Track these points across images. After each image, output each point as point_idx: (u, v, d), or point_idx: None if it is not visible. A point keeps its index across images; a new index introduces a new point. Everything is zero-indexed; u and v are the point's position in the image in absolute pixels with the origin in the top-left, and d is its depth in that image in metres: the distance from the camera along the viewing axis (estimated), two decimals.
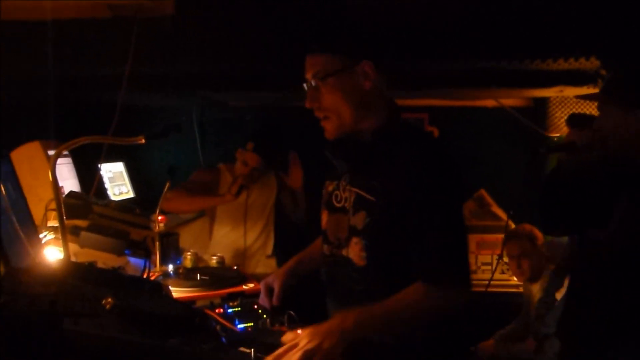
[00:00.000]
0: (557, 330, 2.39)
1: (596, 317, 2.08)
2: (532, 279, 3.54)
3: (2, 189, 1.46)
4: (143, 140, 2.19)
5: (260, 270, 3.61)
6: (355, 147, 1.87)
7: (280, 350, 1.54)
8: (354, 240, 1.83)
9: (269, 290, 2.13)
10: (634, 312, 1.98)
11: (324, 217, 2.01)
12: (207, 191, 3.62)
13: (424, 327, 1.77)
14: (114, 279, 1.53)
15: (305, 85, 1.86)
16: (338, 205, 1.92)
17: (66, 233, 1.96)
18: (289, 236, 3.73)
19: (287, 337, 1.62)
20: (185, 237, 3.60)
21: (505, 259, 3.81)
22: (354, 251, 1.84)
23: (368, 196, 1.80)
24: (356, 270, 1.84)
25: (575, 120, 2.71)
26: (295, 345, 1.55)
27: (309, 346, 1.53)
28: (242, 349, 1.61)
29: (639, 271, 1.96)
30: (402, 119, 1.92)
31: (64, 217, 1.98)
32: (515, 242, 3.58)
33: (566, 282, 3.03)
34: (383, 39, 1.97)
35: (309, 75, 1.83)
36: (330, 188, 1.99)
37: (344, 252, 1.89)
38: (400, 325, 1.73)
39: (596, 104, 2.24)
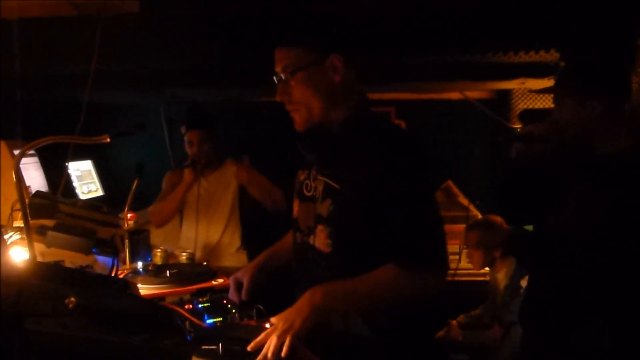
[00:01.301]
0: (518, 316, 2.44)
1: (554, 302, 2.14)
2: (485, 267, 3.63)
3: None
4: (108, 140, 2.19)
5: (230, 264, 3.62)
6: (324, 138, 1.89)
7: (260, 337, 1.60)
8: (320, 227, 1.86)
9: (238, 285, 2.15)
10: (590, 296, 2.04)
11: (295, 206, 2.03)
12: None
13: (393, 307, 1.78)
14: (79, 278, 1.54)
15: (275, 78, 1.87)
16: (308, 194, 1.95)
17: (31, 233, 1.94)
18: (259, 229, 3.75)
19: (273, 319, 1.67)
20: (157, 234, 3.61)
21: (464, 247, 3.88)
22: (320, 239, 1.86)
23: (334, 184, 1.82)
24: (322, 257, 1.86)
25: (526, 115, 2.77)
26: (273, 329, 1.61)
27: (283, 327, 1.60)
28: (205, 346, 1.65)
29: (594, 255, 2.02)
30: (370, 111, 1.93)
31: (29, 217, 1.97)
32: (470, 232, 3.66)
33: None
34: (352, 33, 1.97)
35: (278, 69, 1.84)
36: (301, 177, 2.02)
37: (310, 240, 1.91)
38: (368, 301, 1.75)
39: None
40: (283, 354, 1.55)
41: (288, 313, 1.66)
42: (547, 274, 2.21)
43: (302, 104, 1.84)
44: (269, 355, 1.54)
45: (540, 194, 2.24)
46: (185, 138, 3.64)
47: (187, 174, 3.54)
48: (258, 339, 1.60)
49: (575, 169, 2.18)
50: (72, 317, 1.13)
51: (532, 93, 3.35)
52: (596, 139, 2.12)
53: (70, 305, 1.13)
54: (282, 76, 1.83)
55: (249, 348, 1.59)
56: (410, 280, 1.71)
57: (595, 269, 2.02)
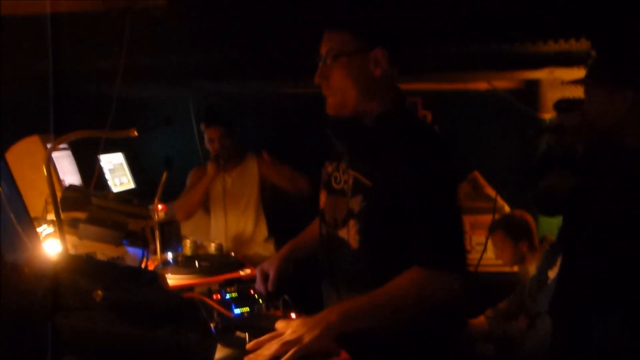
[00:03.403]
0: (549, 308, 2.43)
1: (584, 295, 2.11)
2: (516, 264, 3.63)
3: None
4: (135, 134, 2.24)
5: (259, 252, 3.69)
6: (357, 131, 1.88)
7: (263, 338, 1.57)
8: (351, 222, 1.85)
9: (264, 276, 2.16)
10: (621, 290, 2.01)
11: (323, 197, 2.03)
12: None
13: (417, 313, 1.74)
14: (109, 270, 1.56)
15: (317, 59, 1.86)
16: (337, 187, 1.94)
17: (63, 226, 2.00)
18: (285, 218, 3.79)
19: (280, 324, 1.64)
20: (186, 225, 3.68)
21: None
22: (350, 233, 1.85)
23: (365, 180, 1.82)
24: (350, 251, 1.86)
25: (562, 105, 2.74)
26: (278, 335, 1.57)
27: (290, 337, 1.54)
28: (237, 334, 1.67)
29: (626, 249, 1.99)
30: (405, 109, 1.92)
31: (61, 211, 2.03)
32: (495, 233, 3.65)
33: (559, 261, 3.09)
34: (402, 29, 1.96)
35: (323, 51, 1.83)
36: (329, 169, 2.01)
37: (340, 234, 1.90)
38: (390, 314, 1.70)
39: None
40: None
41: (298, 324, 1.59)
42: (578, 266, 2.18)
43: (339, 90, 1.83)
44: (261, 358, 1.49)
45: (571, 185, 2.20)
46: (205, 135, 3.72)
47: (210, 168, 3.61)
48: (261, 339, 1.57)
49: (608, 162, 2.11)
50: (98, 310, 1.16)
51: (564, 84, 3.30)
52: (628, 132, 2.06)
53: (98, 299, 1.16)
54: (326, 59, 1.82)
55: (247, 347, 1.55)
56: (433, 283, 1.70)
57: (627, 263, 1.99)
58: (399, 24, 1.89)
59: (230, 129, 3.70)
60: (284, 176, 3.69)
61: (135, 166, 4.50)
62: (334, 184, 1.97)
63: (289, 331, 1.57)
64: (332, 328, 1.58)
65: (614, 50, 2.20)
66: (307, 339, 1.54)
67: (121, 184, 4.19)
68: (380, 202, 1.79)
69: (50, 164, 2.04)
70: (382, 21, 1.87)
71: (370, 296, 1.69)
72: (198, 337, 1.17)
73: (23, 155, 3.03)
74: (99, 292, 1.15)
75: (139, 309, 1.18)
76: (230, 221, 3.73)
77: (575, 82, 2.45)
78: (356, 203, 1.84)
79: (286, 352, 1.51)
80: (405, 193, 1.73)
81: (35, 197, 2.67)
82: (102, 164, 3.92)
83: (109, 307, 1.14)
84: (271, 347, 1.52)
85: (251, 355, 1.51)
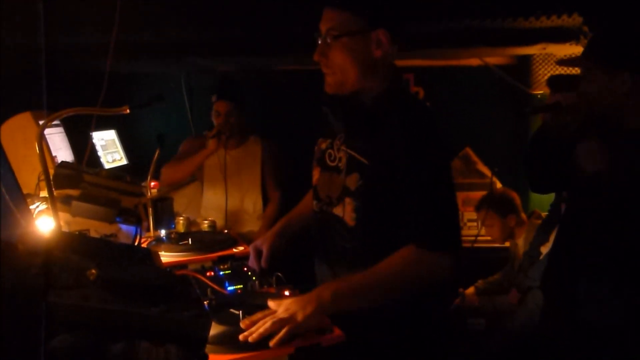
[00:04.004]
0: (541, 283, 2.45)
1: (577, 270, 2.13)
2: (506, 239, 3.68)
3: None
4: (127, 111, 2.23)
5: (252, 231, 3.70)
6: (354, 109, 1.89)
7: (255, 316, 1.60)
8: (347, 200, 1.87)
9: (258, 253, 2.18)
10: (618, 267, 2.03)
11: (316, 173, 2.05)
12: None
13: (408, 292, 1.77)
14: (103, 248, 1.57)
15: (316, 36, 1.85)
16: (332, 164, 1.95)
17: (56, 203, 2.01)
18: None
19: (272, 302, 1.66)
20: (179, 202, 3.68)
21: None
22: (346, 211, 1.87)
23: (362, 159, 1.84)
24: (346, 229, 1.88)
25: (555, 82, 2.72)
26: (271, 313, 1.60)
27: (283, 315, 1.57)
28: (231, 311, 1.69)
29: (624, 229, 2.00)
30: (403, 89, 1.94)
31: (54, 187, 2.03)
32: (482, 211, 3.70)
33: (551, 237, 3.12)
34: (405, 11, 1.95)
35: (323, 28, 1.82)
36: (323, 146, 2.02)
37: (335, 211, 1.92)
38: (382, 293, 1.74)
39: None
40: (272, 343, 1.51)
41: (290, 303, 1.63)
42: (575, 239, 2.20)
43: (339, 69, 1.83)
44: (255, 335, 1.52)
45: (567, 164, 2.19)
46: (213, 107, 3.72)
47: (211, 143, 3.60)
48: (254, 317, 1.59)
49: (605, 136, 2.10)
50: (92, 289, 1.16)
51: (558, 65, 3.28)
52: (627, 114, 2.06)
53: (91, 277, 1.17)
54: (326, 38, 1.81)
55: (242, 325, 1.57)
56: (427, 260, 1.72)
57: (626, 241, 2.01)
58: (400, 4, 1.89)
59: (239, 106, 3.70)
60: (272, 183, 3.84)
61: (127, 142, 4.49)
62: (328, 161, 1.98)
63: (281, 309, 1.60)
64: (325, 306, 1.62)
65: (610, 32, 2.18)
66: (300, 317, 1.57)
67: (114, 160, 4.19)
68: (377, 180, 1.81)
69: (42, 141, 2.03)
70: (384, 2, 1.86)
71: (363, 275, 1.72)
72: (192, 315, 1.18)
73: (15, 132, 3.03)
74: (93, 271, 1.16)
75: (132, 287, 1.19)
76: (230, 198, 3.73)
77: (571, 63, 2.43)
78: (352, 181, 1.85)
79: (280, 329, 1.53)
80: (401, 171, 1.75)
81: (28, 173, 2.67)
82: (95, 140, 3.91)
83: (103, 285, 1.15)
84: (265, 325, 1.54)
85: (245, 333, 1.54)
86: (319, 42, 1.84)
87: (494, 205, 3.63)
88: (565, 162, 2.19)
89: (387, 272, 1.72)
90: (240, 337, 1.53)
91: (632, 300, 1.99)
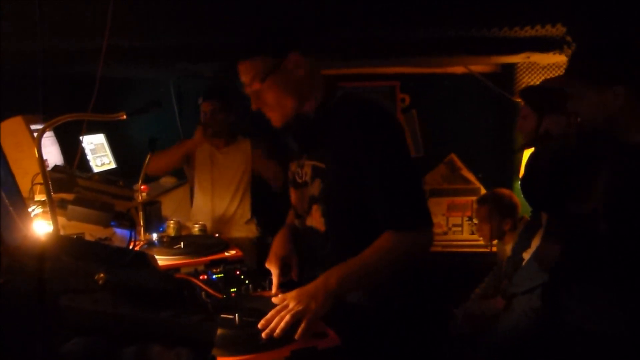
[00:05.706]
0: (542, 301, 2.42)
1: (577, 287, 2.10)
2: (495, 238, 3.72)
3: None
4: (124, 117, 2.27)
5: (239, 235, 3.73)
6: (302, 126, 1.98)
7: (270, 315, 1.64)
8: (314, 207, 1.96)
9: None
10: (615, 283, 2.00)
11: (292, 194, 2.13)
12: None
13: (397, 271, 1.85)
14: (102, 252, 1.60)
15: (245, 90, 1.95)
16: (300, 180, 2.04)
17: (55, 207, 2.03)
18: (266, 200, 3.87)
19: (277, 299, 1.73)
20: (168, 205, 3.70)
21: (475, 221, 3.96)
22: (315, 218, 1.97)
23: (320, 164, 1.93)
24: (319, 236, 1.96)
25: (527, 93, 2.71)
26: (284, 308, 1.65)
27: (298, 308, 1.63)
28: (224, 315, 1.71)
29: (622, 244, 1.96)
30: (340, 90, 2.01)
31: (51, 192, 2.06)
32: (481, 206, 3.74)
33: (534, 243, 3.15)
34: (298, 27, 2.05)
35: (245, 80, 1.92)
36: (293, 168, 2.11)
37: (308, 222, 2.01)
38: (377, 273, 1.81)
39: (563, 68, 2.13)
40: (297, 336, 1.58)
41: (300, 294, 1.70)
42: (578, 260, 2.14)
43: (277, 105, 1.92)
44: (278, 331, 1.58)
45: (564, 186, 2.11)
46: (201, 109, 3.77)
47: (197, 133, 3.66)
48: (269, 315, 1.64)
49: (602, 159, 2.01)
50: (101, 293, 1.18)
51: (543, 84, 3.27)
52: (621, 128, 1.97)
53: (100, 282, 1.19)
54: (252, 87, 1.91)
55: (259, 325, 1.62)
56: (406, 241, 1.80)
57: (623, 257, 1.96)
58: (285, 28, 1.99)
59: (225, 106, 3.75)
60: (269, 170, 3.78)
61: (116, 146, 4.50)
62: (297, 179, 2.07)
63: (293, 303, 1.66)
64: (333, 292, 1.70)
65: (594, 46, 2.09)
66: (313, 306, 1.65)
67: (103, 164, 4.20)
68: (336, 179, 1.89)
69: (40, 148, 2.06)
70: (276, 33, 1.96)
71: (359, 259, 1.79)
72: (200, 319, 1.20)
73: (7, 136, 3.03)
74: (102, 275, 1.19)
75: (140, 291, 1.21)
76: (216, 200, 3.76)
77: (556, 82, 2.41)
78: (316, 187, 1.95)
79: (299, 321, 1.60)
80: (356, 163, 1.83)
81: (19, 177, 2.67)
82: (84, 144, 3.92)
83: (112, 289, 1.18)
84: (284, 319, 1.60)
85: (266, 330, 1.59)
86: (248, 93, 1.94)
87: (499, 205, 3.66)
88: (561, 182, 2.14)
89: (378, 254, 1.79)
90: (263, 334, 1.58)
91: (628, 306, 1.98)
